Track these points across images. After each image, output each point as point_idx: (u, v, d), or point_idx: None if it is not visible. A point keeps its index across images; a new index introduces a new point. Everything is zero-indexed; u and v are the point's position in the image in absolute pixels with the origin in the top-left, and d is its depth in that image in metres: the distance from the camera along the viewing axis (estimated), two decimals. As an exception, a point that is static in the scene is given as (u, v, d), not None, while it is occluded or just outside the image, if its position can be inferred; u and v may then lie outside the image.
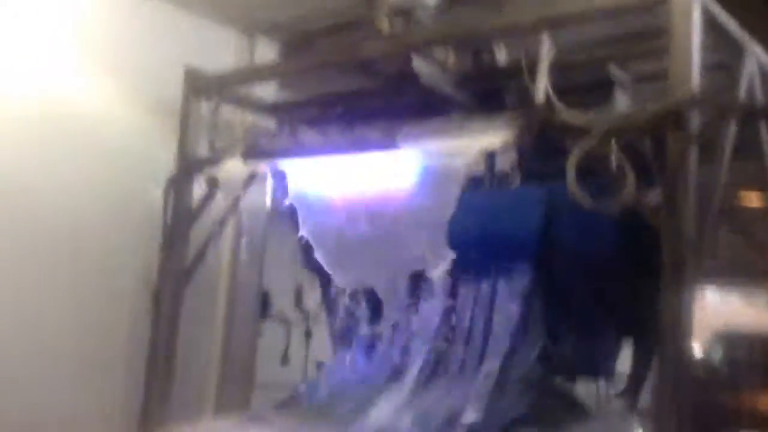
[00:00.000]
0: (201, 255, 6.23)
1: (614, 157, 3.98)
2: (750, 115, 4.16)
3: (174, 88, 6.20)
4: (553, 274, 4.95)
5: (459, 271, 5.03)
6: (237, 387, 6.98)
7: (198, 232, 6.23)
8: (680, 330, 3.84)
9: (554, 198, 4.84)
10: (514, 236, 5.02)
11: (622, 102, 4.76)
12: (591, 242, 4.68)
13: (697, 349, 8.41)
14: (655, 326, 4.13)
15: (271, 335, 8.01)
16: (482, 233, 5.05)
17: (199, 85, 6.13)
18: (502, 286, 5.01)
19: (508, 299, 4.96)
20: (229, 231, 6.72)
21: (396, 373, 5.12)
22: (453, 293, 5.15)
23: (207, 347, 6.90)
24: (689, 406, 3.79)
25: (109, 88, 6.00)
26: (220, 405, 6.70)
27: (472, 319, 5.10)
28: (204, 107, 6.12)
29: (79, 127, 5.85)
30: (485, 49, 5.30)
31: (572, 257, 4.87)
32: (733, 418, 6.60)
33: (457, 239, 4.90)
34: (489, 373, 4.76)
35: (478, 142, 4.52)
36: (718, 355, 8.50)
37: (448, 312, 5.14)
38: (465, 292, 5.14)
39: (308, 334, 8.57)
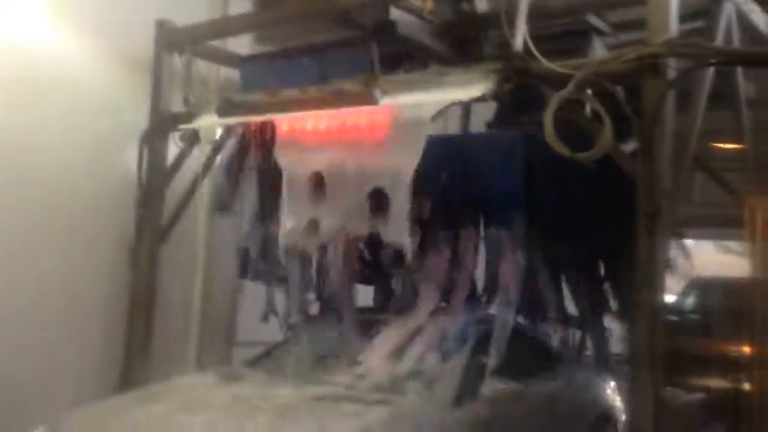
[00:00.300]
0: (178, 212, 6.18)
1: (591, 106, 3.99)
2: (726, 62, 4.16)
3: (146, 43, 6.08)
4: (542, 220, 4.99)
5: (451, 221, 5.06)
6: (218, 343, 7.01)
7: (174, 189, 6.18)
8: (655, 277, 3.90)
9: (533, 142, 4.85)
10: (498, 183, 4.99)
11: (598, 50, 4.75)
12: (572, 185, 4.68)
13: (672, 296, 8.62)
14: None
15: (251, 292, 8.00)
16: (466, 180, 5.02)
17: (171, 39, 6.00)
18: (494, 234, 5.02)
19: (506, 248, 4.97)
20: (205, 187, 6.64)
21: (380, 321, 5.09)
22: (453, 244, 5.13)
23: (187, 305, 6.90)
24: (663, 351, 3.88)
25: (80, 43, 5.83)
26: (201, 361, 6.74)
27: (475, 268, 5.15)
28: (177, 61, 6.00)
29: (52, 85, 5.71)
30: (465, -1, 5.23)
31: (557, 200, 4.90)
32: (706, 362, 6.77)
33: (440, 187, 4.90)
34: (505, 324, 4.80)
35: (456, 94, 4.47)
36: (692, 301, 8.69)
37: (452, 262, 5.15)
38: (464, 241, 5.13)
39: (289, 291, 8.58)
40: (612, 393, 5.97)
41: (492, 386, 4.27)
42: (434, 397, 4.24)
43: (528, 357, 5.18)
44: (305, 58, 5.21)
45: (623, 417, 5.87)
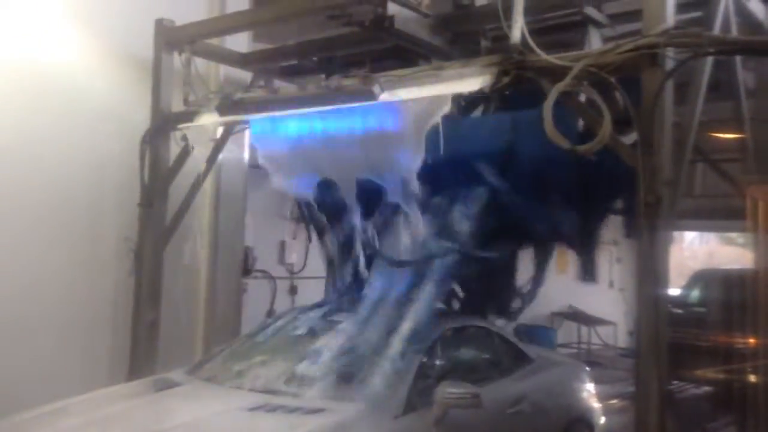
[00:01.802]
0: (181, 212, 6.18)
1: (590, 97, 3.97)
2: (724, 52, 4.13)
3: (146, 42, 6.08)
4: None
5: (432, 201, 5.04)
6: (223, 343, 7.01)
7: (177, 189, 6.19)
8: (657, 270, 3.87)
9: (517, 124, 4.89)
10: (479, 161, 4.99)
11: (596, 41, 4.73)
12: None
13: (676, 289, 8.61)
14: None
15: (255, 291, 8.03)
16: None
17: (170, 38, 6.01)
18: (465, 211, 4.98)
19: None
20: (208, 187, 6.65)
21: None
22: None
23: (192, 304, 6.91)
24: (667, 345, 3.84)
25: (80, 43, 5.86)
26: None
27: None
28: (176, 60, 6.01)
29: (52, 86, 5.73)
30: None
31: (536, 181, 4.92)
32: (712, 355, 6.74)
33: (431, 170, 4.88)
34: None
35: (455, 88, 4.46)
36: (696, 293, 8.67)
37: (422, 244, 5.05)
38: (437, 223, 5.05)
39: (293, 289, 8.61)
40: (587, 394, 5.64)
41: (446, 390, 3.89)
42: (381, 405, 3.92)
43: (490, 357, 4.88)
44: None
45: (600, 420, 5.62)
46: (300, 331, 4.76)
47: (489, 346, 4.94)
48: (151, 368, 5.94)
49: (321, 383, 4.09)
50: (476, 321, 5.18)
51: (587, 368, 6.01)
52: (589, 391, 5.67)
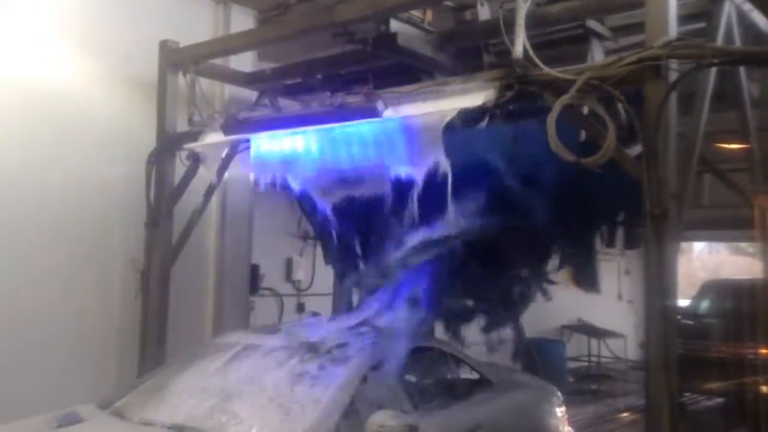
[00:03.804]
0: (187, 232, 6.20)
1: (593, 110, 3.97)
2: (728, 62, 4.12)
3: (151, 63, 6.14)
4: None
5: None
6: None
7: (182, 209, 6.20)
8: (665, 282, 3.85)
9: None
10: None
11: (598, 54, 4.73)
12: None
13: (685, 300, 8.56)
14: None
15: (263, 309, 8.03)
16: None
17: (175, 59, 6.05)
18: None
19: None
20: (213, 206, 6.66)
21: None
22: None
23: (199, 323, 6.90)
24: (678, 357, 3.81)
25: (86, 66, 5.90)
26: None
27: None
28: (181, 81, 6.05)
29: (60, 109, 5.77)
30: (468, 7, 5.24)
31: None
32: (723, 366, 6.68)
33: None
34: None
35: (458, 104, 4.47)
36: (706, 304, 8.60)
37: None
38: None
39: (300, 306, 8.60)
40: (558, 419, 5.23)
41: (376, 423, 3.44)
42: None
43: (440, 381, 4.51)
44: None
45: None
46: (221, 363, 4.34)
47: (439, 369, 4.58)
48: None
49: (240, 418, 3.74)
50: (427, 341, 4.77)
51: (558, 390, 5.56)
52: (559, 415, 5.29)
